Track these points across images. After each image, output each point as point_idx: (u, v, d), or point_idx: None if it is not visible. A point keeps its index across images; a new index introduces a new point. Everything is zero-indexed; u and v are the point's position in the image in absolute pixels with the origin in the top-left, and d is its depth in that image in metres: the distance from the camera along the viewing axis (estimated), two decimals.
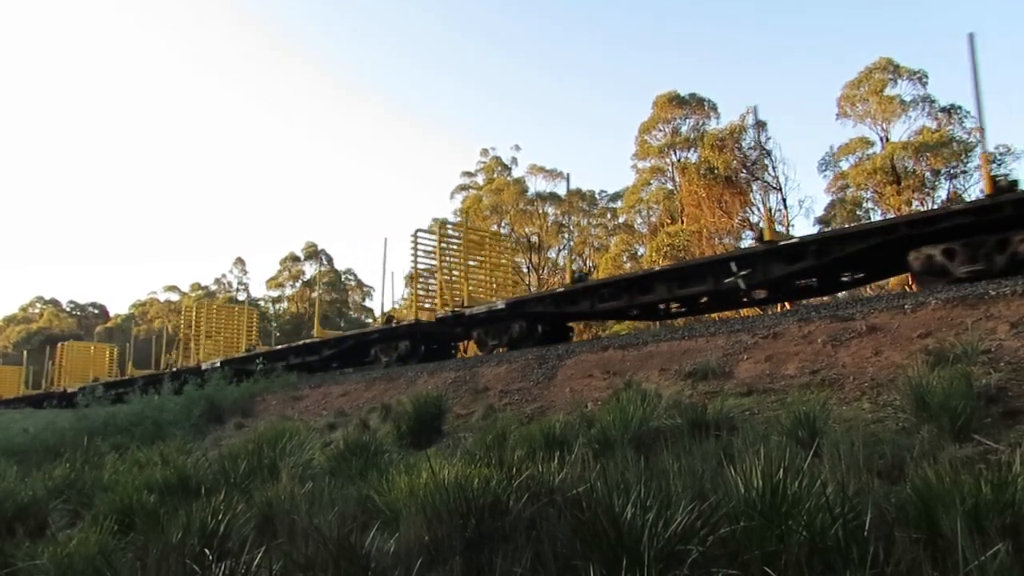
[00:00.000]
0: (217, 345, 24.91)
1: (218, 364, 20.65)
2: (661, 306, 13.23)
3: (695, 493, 3.13)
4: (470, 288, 16.03)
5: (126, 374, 29.12)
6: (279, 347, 21.93)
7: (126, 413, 12.07)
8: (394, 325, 16.73)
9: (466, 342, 19.01)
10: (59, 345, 35.10)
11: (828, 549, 2.59)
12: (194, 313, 26.23)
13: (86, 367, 32.08)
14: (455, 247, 16.64)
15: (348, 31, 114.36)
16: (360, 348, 17.96)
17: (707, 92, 37.68)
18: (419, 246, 16.30)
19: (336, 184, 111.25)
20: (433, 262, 16.45)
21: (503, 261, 19.30)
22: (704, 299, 12.65)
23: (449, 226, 17.58)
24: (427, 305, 16.51)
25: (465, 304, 15.27)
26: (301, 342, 20.60)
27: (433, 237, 16.44)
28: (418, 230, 16.67)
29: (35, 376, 36.55)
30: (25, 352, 41.87)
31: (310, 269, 57.90)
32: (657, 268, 13.66)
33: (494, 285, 17.69)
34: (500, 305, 14.37)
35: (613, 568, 2.72)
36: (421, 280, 17.24)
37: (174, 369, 23.75)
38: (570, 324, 15.70)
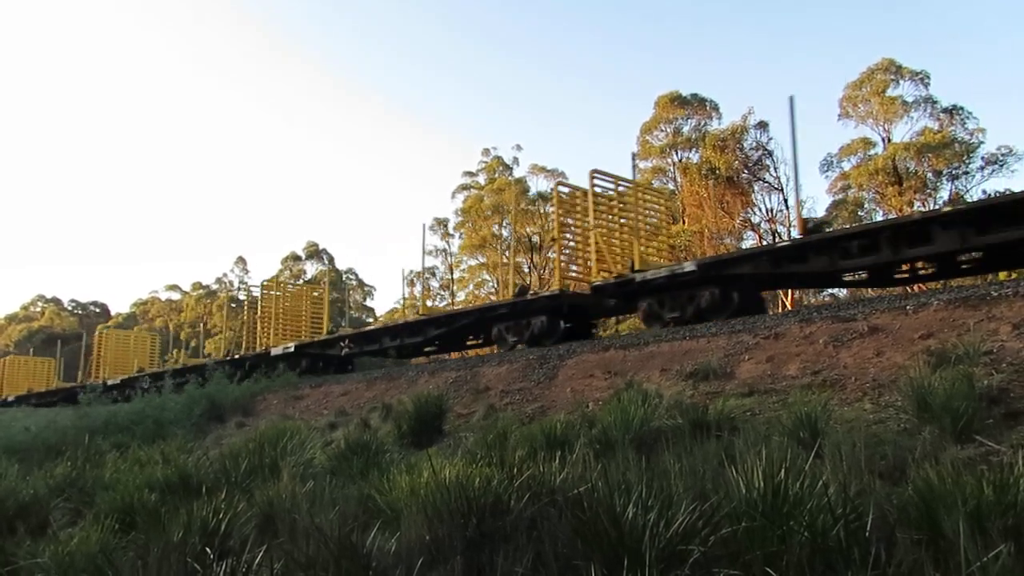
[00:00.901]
0: (289, 329, 21.80)
1: (292, 349, 19.02)
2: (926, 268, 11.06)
3: (696, 493, 3.12)
4: (641, 249, 13.70)
5: (154, 366, 27.81)
6: (371, 327, 19.76)
7: (127, 412, 12.08)
8: (529, 297, 14.13)
9: (606, 320, 17.63)
10: (97, 333, 33.63)
11: (830, 550, 2.59)
12: (261, 292, 22.76)
13: (127, 356, 29.70)
14: (616, 203, 14.24)
15: (348, 31, 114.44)
16: (477, 327, 15.48)
17: (709, 92, 37.61)
18: (562, 201, 14.31)
19: (336, 184, 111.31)
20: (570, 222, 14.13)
21: (662, 223, 16.26)
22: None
23: (607, 177, 14.26)
24: (573, 272, 14.17)
25: (635, 268, 13.00)
26: (402, 321, 17.74)
27: (591, 188, 13.77)
28: (559, 183, 15.59)
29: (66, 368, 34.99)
30: (59, 343, 41.01)
31: (311, 268, 57.90)
32: (945, 210, 10.03)
33: (655, 248, 15.03)
34: (688, 267, 11.88)
35: (614, 568, 2.71)
36: (565, 241, 14.35)
37: (235, 356, 21.42)
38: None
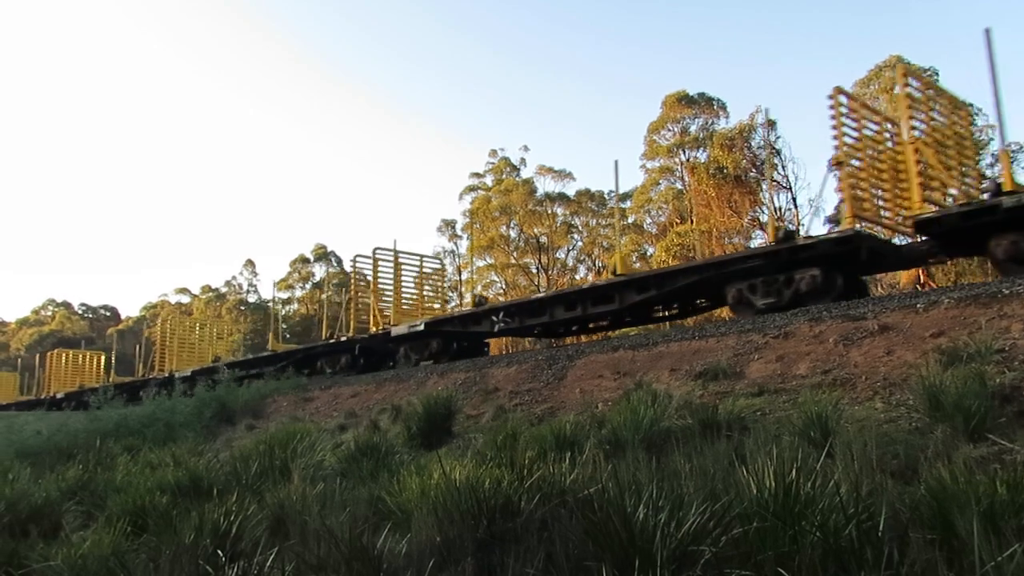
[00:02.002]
0: (414, 304, 18.93)
1: (420, 327, 16.03)
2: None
3: (707, 494, 3.11)
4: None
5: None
6: (536, 296, 15.59)
7: (138, 415, 12.13)
8: (801, 242, 10.37)
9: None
10: (159, 319, 32.27)
11: (842, 550, 2.57)
12: (374, 260, 18.63)
13: (200, 346, 27.54)
14: None
15: (353, 35, 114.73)
16: (705, 288, 12.06)
17: (716, 92, 37.59)
18: None
19: (344, 186, 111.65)
20: None
21: None
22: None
23: None
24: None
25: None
26: (586, 285, 15.09)
27: None
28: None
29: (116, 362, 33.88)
30: (114, 332, 40.92)
31: (319, 270, 58.05)
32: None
33: None
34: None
35: (625, 569, 2.71)
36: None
37: (340, 338, 18.80)
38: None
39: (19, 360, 47.10)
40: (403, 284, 19.07)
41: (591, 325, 15.30)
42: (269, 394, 13.74)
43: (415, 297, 19.40)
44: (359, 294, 19.39)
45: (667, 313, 14.46)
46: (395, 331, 16.59)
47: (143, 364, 29.76)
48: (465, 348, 16.21)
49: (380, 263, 18.66)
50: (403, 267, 19.08)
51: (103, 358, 34.95)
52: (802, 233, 10.98)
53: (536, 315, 14.29)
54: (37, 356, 39.74)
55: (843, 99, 10.87)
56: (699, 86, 37.74)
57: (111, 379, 29.35)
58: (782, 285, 10.57)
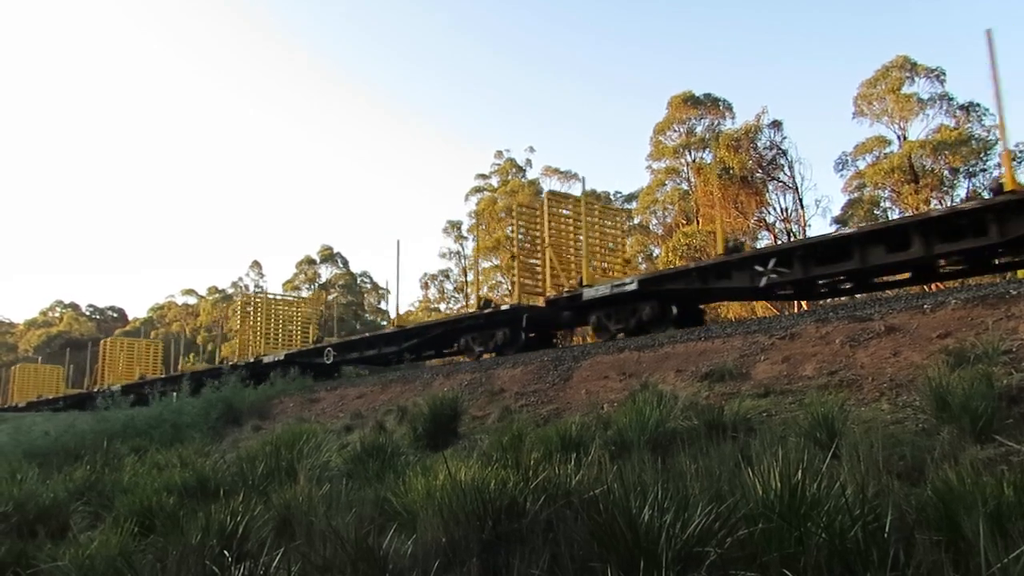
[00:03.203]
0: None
1: (631, 286, 12.49)
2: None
3: (713, 495, 3.11)
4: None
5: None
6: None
7: (145, 416, 12.19)
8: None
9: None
10: (241, 297, 29.86)
11: (848, 551, 2.57)
12: (546, 204, 15.28)
13: (285, 327, 24.06)
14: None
15: (355, 36, 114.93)
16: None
17: (718, 92, 37.44)
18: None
19: (345, 187, 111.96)
20: None
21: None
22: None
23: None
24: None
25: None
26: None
27: None
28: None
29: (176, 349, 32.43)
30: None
31: (326, 272, 58.17)
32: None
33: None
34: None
35: (631, 570, 2.71)
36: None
37: (503, 306, 15.03)
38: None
39: (67, 350, 44.69)
40: (595, 235, 15.51)
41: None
42: (275, 395, 13.78)
43: (609, 251, 15.77)
44: (523, 252, 15.53)
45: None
46: (589, 293, 12.93)
47: (215, 349, 28.35)
48: (689, 314, 12.68)
49: (557, 209, 15.34)
50: (594, 213, 15.66)
51: (160, 347, 33.96)
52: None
53: (835, 261, 10.05)
54: (89, 344, 38.53)
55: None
56: (700, 86, 37.80)
57: (181, 367, 27.18)
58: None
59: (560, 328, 15.51)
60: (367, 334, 19.61)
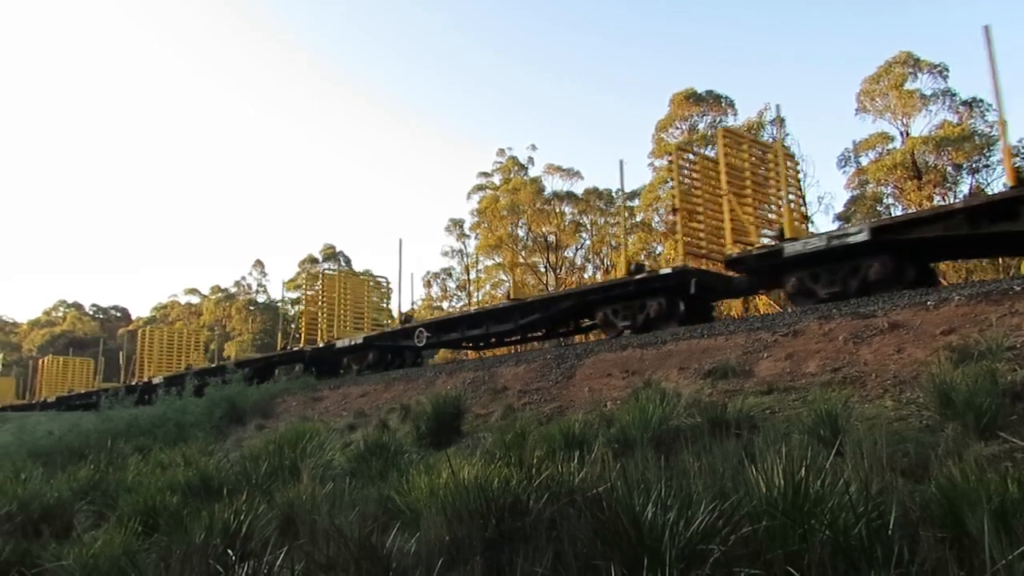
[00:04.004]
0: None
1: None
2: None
3: (716, 492, 3.10)
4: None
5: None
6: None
7: (149, 415, 12.20)
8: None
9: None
10: (305, 275, 28.02)
11: (852, 548, 2.56)
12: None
13: (356, 308, 21.14)
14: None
15: (355, 36, 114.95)
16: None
17: (724, 89, 37.45)
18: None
19: (346, 186, 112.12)
20: None
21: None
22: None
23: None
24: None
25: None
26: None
27: None
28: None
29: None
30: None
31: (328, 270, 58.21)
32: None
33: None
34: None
35: (634, 568, 2.71)
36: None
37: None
38: None
39: (103, 341, 42.09)
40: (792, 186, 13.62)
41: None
42: (278, 394, 13.80)
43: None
44: (688, 206, 12.92)
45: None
46: (793, 248, 10.71)
47: (288, 336, 25.28)
48: (926, 275, 10.70)
49: (737, 152, 13.13)
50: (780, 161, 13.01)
51: (203, 336, 32.77)
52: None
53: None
54: (124, 332, 37.89)
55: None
56: (701, 85, 37.57)
57: (234, 356, 25.16)
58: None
59: (735, 296, 14.33)
60: (472, 310, 17.22)
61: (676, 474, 3.60)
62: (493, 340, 16.11)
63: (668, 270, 11.94)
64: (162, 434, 10.76)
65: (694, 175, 12.94)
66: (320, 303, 20.99)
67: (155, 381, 24.55)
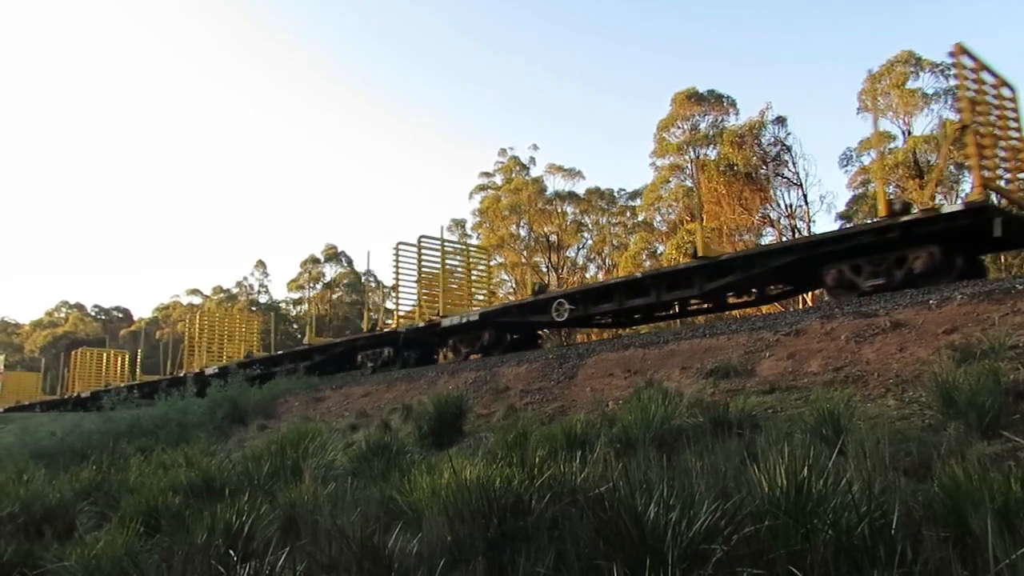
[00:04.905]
0: None
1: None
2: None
3: (718, 492, 3.10)
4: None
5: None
6: None
7: (151, 416, 12.21)
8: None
9: None
10: (396, 249, 23.62)
11: (854, 548, 2.56)
12: None
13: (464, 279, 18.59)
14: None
15: (355, 36, 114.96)
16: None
17: (725, 89, 37.44)
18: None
19: (346, 186, 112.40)
20: None
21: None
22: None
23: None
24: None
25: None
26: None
27: None
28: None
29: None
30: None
31: (330, 271, 58.23)
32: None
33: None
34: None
35: (636, 568, 2.70)
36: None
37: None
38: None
39: (144, 335, 39.71)
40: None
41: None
42: (280, 394, 13.79)
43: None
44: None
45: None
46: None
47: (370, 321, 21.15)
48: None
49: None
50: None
51: (261, 319, 30.39)
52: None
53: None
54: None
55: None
56: (701, 84, 37.57)
57: (308, 340, 20.84)
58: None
59: None
60: (638, 274, 14.06)
61: (678, 474, 3.60)
62: (671, 311, 13.68)
63: (958, 206, 9.08)
64: (164, 435, 10.76)
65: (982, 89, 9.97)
66: (420, 274, 17.34)
67: (208, 372, 21.59)
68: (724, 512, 2.88)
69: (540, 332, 16.89)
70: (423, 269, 17.33)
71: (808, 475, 2.89)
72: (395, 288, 17.75)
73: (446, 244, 18.40)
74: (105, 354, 34.05)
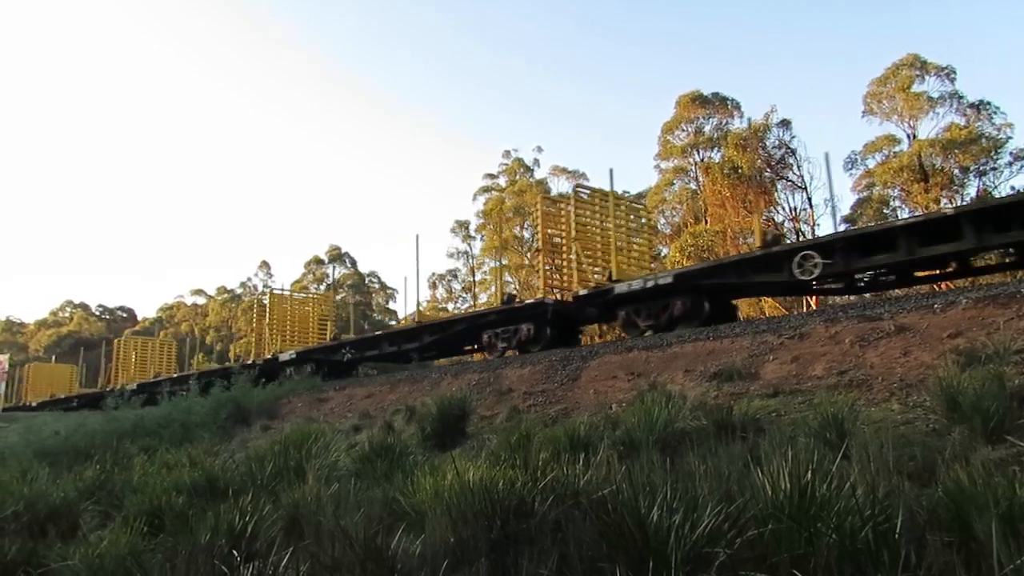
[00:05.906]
0: None
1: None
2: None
3: (722, 495, 3.10)
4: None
5: None
6: None
7: (154, 416, 12.23)
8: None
9: None
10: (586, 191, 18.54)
11: (858, 552, 2.55)
12: None
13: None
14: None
15: (355, 36, 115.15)
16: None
17: (725, 90, 37.39)
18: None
19: (346, 186, 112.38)
20: None
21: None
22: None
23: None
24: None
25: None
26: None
27: None
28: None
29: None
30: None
31: (334, 272, 58.27)
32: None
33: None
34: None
35: (640, 570, 2.70)
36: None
37: None
38: None
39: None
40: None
41: None
42: (284, 395, 13.81)
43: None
44: None
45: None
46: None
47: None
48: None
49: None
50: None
51: (331, 299, 27.70)
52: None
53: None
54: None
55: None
56: (703, 86, 37.35)
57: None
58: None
59: None
60: (948, 210, 12.04)
61: (682, 477, 3.60)
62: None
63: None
64: (168, 435, 10.77)
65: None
66: (570, 234, 14.86)
67: (282, 358, 19.96)
68: (727, 515, 2.87)
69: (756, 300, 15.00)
70: (583, 226, 14.71)
71: (812, 479, 2.88)
72: (542, 250, 15.39)
73: (613, 197, 15.29)
74: (149, 343, 32.47)
